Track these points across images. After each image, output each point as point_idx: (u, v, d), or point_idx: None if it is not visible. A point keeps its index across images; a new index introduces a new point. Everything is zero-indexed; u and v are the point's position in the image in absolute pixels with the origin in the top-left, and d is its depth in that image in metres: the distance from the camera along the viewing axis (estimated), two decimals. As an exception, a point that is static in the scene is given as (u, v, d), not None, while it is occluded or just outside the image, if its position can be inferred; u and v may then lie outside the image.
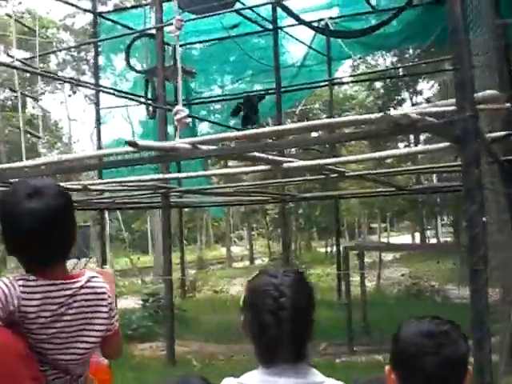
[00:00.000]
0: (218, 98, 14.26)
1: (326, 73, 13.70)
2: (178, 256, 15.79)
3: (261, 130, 4.20)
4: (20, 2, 20.22)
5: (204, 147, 4.38)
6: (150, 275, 21.74)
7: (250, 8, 10.36)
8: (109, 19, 12.47)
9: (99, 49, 12.63)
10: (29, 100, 25.67)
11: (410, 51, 16.98)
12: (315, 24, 12.68)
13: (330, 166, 5.72)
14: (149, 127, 14.36)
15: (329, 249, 34.17)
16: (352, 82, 17.54)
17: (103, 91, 10.93)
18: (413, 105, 21.41)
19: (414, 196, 18.64)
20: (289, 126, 4.07)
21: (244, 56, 14.04)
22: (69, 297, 1.88)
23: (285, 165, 5.22)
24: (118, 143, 13.34)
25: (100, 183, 6.75)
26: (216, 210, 17.36)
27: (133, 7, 13.73)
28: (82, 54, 22.44)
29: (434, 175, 20.45)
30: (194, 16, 10.75)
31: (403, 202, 24.42)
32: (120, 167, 5.08)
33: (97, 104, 12.25)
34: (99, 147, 12.15)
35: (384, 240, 42.28)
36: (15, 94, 26.81)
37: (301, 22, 10.82)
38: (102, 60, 13.30)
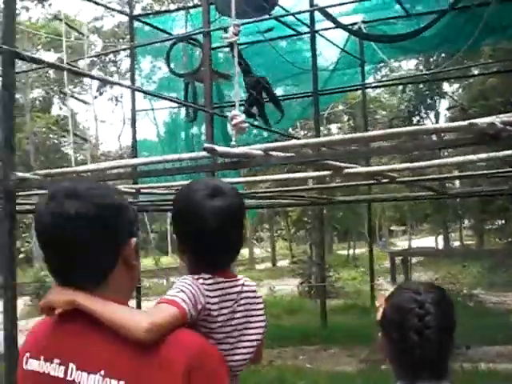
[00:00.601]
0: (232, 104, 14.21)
1: (358, 76, 13.79)
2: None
3: (336, 137, 4.25)
4: (50, 4, 20.41)
5: (275, 153, 4.44)
6: (175, 276, 21.83)
7: (292, 14, 10.38)
8: (145, 22, 12.56)
9: (134, 51, 12.72)
10: (56, 101, 25.99)
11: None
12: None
13: (387, 173, 5.77)
14: (171, 129, 14.50)
15: (351, 251, 34.21)
16: (385, 85, 17.52)
17: (147, 93, 10.99)
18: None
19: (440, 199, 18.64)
20: (369, 133, 4.10)
21: (274, 60, 14.11)
22: (237, 293, 1.90)
23: (345, 170, 5.28)
24: (143, 144, 13.49)
25: (150, 187, 6.82)
26: (250, 212, 17.37)
27: (170, 11, 13.78)
28: (110, 55, 22.67)
29: (457, 181, 20.44)
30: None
31: (429, 205, 24.42)
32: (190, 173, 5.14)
33: (133, 106, 12.35)
34: (134, 148, 12.30)
35: (405, 243, 42.12)
36: (43, 95, 27.39)
37: (339, 25, 10.83)
38: (129, 62, 13.41)
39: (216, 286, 1.84)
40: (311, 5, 11.03)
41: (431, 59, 18.92)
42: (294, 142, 4.41)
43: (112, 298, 1.60)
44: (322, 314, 11.42)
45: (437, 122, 23.40)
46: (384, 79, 18.82)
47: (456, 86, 22.19)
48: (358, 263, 27.94)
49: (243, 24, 11.03)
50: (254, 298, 1.97)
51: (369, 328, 10.28)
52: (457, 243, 35.59)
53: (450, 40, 12.15)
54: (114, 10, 11.98)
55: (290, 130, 20.02)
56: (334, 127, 28.54)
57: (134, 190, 6.43)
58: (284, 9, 10.75)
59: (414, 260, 28.82)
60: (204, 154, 4.14)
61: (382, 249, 39.64)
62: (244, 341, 1.89)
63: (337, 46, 12.78)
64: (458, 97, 20.48)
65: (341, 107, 25.78)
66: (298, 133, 23.92)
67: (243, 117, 5.98)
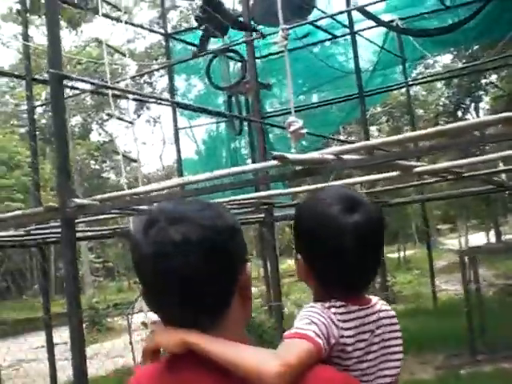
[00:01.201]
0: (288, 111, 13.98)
1: (396, 76, 13.51)
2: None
3: (409, 134, 3.98)
4: (82, 31, 20.60)
5: (348, 157, 4.19)
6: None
7: (330, 16, 10.15)
8: (181, 40, 12.50)
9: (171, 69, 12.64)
10: (95, 127, 26.27)
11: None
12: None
13: (454, 169, 5.48)
14: (210, 145, 14.33)
15: (401, 254, 33.52)
16: (429, 81, 17.14)
17: (191, 109, 10.89)
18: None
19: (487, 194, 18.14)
20: (438, 128, 3.83)
21: (309, 66, 13.92)
22: (374, 322, 1.63)
23: (415, 169, 5.02)
24: (185, 163, 13.34)
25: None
26: None
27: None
28: (145, 77, 22.78)
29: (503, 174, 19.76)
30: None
31: (475, 201, 23.80)
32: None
33: (175, 124, 12.26)
34: (179, 166, 12.21)
35: (454, 241, 41.24)
36: (81, 122, 27.73)
37: (381, 23, 10.58)
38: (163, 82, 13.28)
39: (350, 315, 1.58)
40: (348, 5, 10.84)
41: (466, 52, 18.49)
42: (365, 143, 4.14)
43: (229, 337, 1.33)
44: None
45: (477, 115, 22.89)
46: (420, 76, 18.41)
47: (494, 76, 21.57)
48: (410, 265, 27.36)
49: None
50: (392, 325, 1.69)
51: (436, 333, 9.98)
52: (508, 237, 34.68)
53: (489, 30, 11.80)
54: (150, 29, 11.87)
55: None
56: (373, 129, 28.14)
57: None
58: (321, 11, 10.51)
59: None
60: (273, 163, 3.91)
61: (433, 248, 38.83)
62: (381, 376, 1.62)
63: (377, 46, 12.49)
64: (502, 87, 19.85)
65: (379, 109, 25.38)
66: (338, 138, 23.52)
67: (301, 123, 5.78)
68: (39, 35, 21.80)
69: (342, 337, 1.53)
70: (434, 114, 21.06)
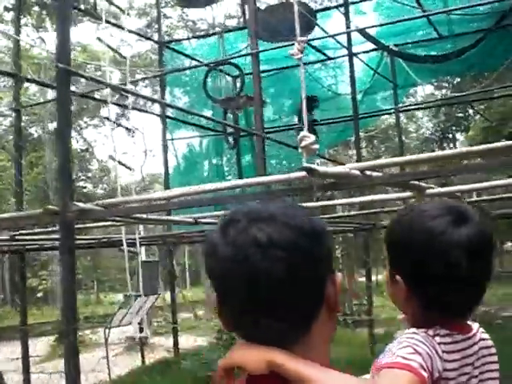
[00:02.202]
0: (282, 128, 13.88)
1: (384, 101, 13.52)
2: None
3: (437, 153, 3.83)
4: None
5: (373, 174, 4.02)
6: (202, 309, 21.36)
7: (332, 36, 10.06)
8: (175, 50, 12.31)
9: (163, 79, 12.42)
10: (74, 134, 25.70)
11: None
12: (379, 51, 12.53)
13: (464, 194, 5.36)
14: (189, 161, 14.10)
15: (373, 278, 33.41)
16: (418, 108, 17.23)
17: (187, 123, 10.68)
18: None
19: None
20: (473, 148, 3.69)
21: (298, 87, 13.86)
22: (475, 354, 1.44)
23: (428, 191, 4.88)
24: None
25: (211, 216, 6.40)
26: None
27: (201, 36, 13.53)
28: (128, 86, 22.29)
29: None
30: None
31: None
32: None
33: (164, 135, 12.04)
34: (166, 179, 11.97)
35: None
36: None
37: (381, 46, 10.53)
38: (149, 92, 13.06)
39: (456, 346, 1.39)
40: (347, 26, 10.76)
41: (447, 83, 18.67)
42: (389, 160, 3.97)
43: (314, 355, 1.14)
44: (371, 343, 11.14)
45: (454, 145, 23.12)
46: (401, 105, 18.48)
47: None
48: (382, 289, 27.35)
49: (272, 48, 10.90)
50: (490, 355, 1.50)
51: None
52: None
53: (481, 61, 11.86)
54: (145, 37, 11.63)
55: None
56: (352, 153, 28.20)
57: (191, 220, 6.00)
58: (323, 29, 10.42)
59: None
60: (298, 175, 3.72)
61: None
62: None
63: (372, 69, 12.45)
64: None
65: (362, 134, 25.42)
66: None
67: (313, 138, 5.61)
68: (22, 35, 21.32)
69: (446, 370, 1.34)
70: (418, 142, 21.21)
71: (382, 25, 9.40)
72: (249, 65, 11.93)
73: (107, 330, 10.96)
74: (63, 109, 4.84)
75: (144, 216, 5.34)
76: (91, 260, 29.91)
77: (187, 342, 13.68)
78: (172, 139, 12.44)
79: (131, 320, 12.06)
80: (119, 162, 7.42)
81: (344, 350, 12.75)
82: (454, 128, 17.37)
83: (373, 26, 9.80)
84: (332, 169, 3.72)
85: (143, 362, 12.12)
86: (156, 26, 13.70)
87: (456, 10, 10.25)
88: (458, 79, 16.79)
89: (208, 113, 13.66)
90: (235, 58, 9.90)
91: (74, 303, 4.73)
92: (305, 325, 1.15)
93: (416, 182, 4.59)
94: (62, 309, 4.73)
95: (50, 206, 4.80)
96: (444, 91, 19.25)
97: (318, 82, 13.29)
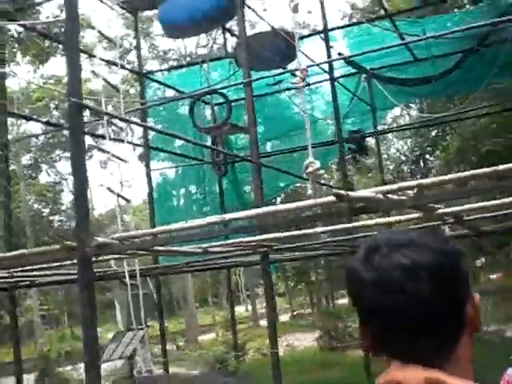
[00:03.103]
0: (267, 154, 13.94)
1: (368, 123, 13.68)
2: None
3: (465, 174, 3.91)
4: (39, 67, 20.01)
5: (394, 197, 4.08)
6: (182, 340, 21.12)
7: (317, 65, 10.17)
8: (155, 81, 12.34)
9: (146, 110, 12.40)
10: (44, 167, 25.49)
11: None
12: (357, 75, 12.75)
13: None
14: (164, 189, 14.04)
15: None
16: (397, 130, 17.46)
17: (171, 152, 10.64)
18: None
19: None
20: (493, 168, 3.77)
21: (273, 114, 14.03)
22: None
23: (440, 211, 4.97)
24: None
25: (218, 245, 6.38)
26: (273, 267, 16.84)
27: (183, 66, 13.58)
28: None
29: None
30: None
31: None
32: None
33: (147, 166, 12.01)
34: (152, 209, 11.91)
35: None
36: (32, 162, 26.99)
37: (362, 70, 10.69)
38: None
39: None
40: (329, 56, 10.92)
41: (413, 105, 18.95)
42: (409, 183, 4.04)
43: (462, 376, 1.14)
44: (366, 364, 11.08)
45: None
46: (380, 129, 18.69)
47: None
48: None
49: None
50: None
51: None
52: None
53: (459, 83, 12.10)
54: (125, 68, 11.63)
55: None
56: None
57: (200, 250, 5.98)
58: (308, 57, 10.55)
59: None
60: (327, 200, 3.77)
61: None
62: None
63: (351, 92, 12.62)
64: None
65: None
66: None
67: (318, 164, 5.67)
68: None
69: None
70: (389, 162, 21.48)
71: (370, 51, 9.56)
72: (234, 92, 12.12)
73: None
74: (77, 142, 4.81)
75: (160, 248, 5.31)
76: (65, 295, 29.41)
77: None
78: (156, 169, 12.43)
79: (122, 355, 11.85)
80: (118, 195, 7.39)
81: (336, 372, 12.80)
82: (428, 148, 17.66)
83: (362, 53, 9.96)
84: (359, 193, 3.77)
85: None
86: (128, 58, 13.85)
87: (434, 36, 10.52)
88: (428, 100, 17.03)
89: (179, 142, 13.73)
90: (226, 87, 9.94)
91: (96, 339, 4.67)
92: (451, 344, 1.17)
93: (432, 205, 4.67)
94: (84, 344, 4.64)
95: (67, 242, 4.75)
96: (411, 111, 19.49)
97: (290, 109, 13.48)
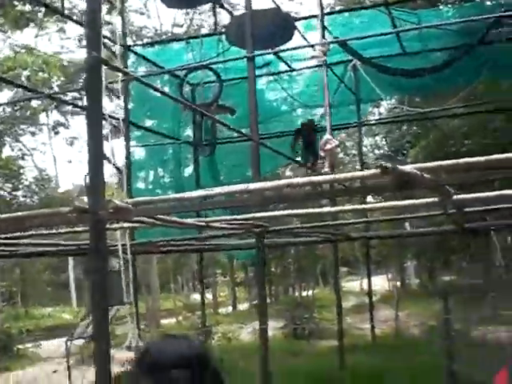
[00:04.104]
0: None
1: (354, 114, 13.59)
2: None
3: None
4: (9, 36, 19.26)
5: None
6: (143, 323, 20.71)
7: (311, 46, 9.98)
8: (139, 54, 11.99)
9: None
10: (8, 140, 24.65)
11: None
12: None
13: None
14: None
15: (304, 293, 33.65)
16: (381, 123, 17.39)
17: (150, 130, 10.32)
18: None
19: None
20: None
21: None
22: None
23: (455, 197, 4.88)
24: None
25: (218, 220, 6.19)
26: (245, 254, 16.66)
27: (170, 41, 13.24)
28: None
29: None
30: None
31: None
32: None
33: (127, 142, 11.70)
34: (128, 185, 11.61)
35: (354, 284, 42.05)
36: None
37: (356, 57, 10.56)
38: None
39: None
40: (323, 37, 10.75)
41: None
42: (456, 161, 3.92)
43: None
44: (340, 354, 11.15)
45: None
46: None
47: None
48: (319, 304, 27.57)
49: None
50: None
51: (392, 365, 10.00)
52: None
53: (452, 79, 12.06)
54: (109, 39, 11.17)
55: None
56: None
57: (203, 224, 5.78)
58: (304, 37, 10.37)
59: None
60: (375, 171, 3.64)
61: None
62: None
63: (339, 79, 12.44)
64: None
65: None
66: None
67: (336, 142, 5.54)
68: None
69: None
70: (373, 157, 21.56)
71: (364, 37, 9.48)
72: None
73: (69, 343, 10.44)
74: (94, 100, 4.55)
75: (168, 218, 5.09)
76: (21, 273, 28.72)
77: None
78: (135, 146, 12.11)
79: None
80: (115, 166, 7.08)
81: (305, 360, 12.76)
82: (408, 144, 17.72)
83: (354, 38, 9.87)
84: (404, 168, 3.64)
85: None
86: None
87: (428, 27, 10.49)
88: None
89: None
90: (221, 62, 9.68)
91: (106, 310, 4.44)
92: None
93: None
94: (93, 313, 4.41)
95: (78, 203, 4.49)
96: (387, 105, 19.43)
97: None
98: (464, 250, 22.66)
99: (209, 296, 38.14)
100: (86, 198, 6.32)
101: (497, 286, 15.33)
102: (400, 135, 18.27)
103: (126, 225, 5.18)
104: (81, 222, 4.80)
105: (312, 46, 9.09)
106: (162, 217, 5.06)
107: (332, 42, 10.30)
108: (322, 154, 6.05)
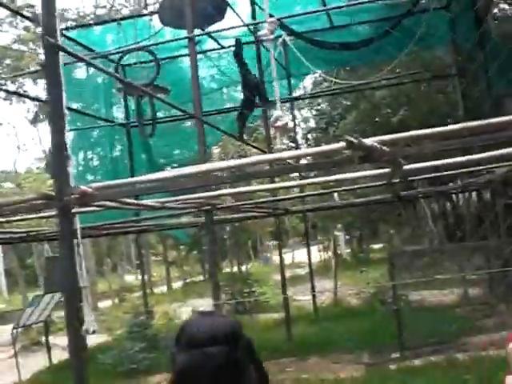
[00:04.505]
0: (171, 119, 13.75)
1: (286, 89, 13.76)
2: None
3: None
4: None
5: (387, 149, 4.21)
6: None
7: (247, 25, 10.07)
8: (70, 38, 11.75)
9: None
10: None
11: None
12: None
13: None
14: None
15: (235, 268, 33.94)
16: (313, 97, 17.62)
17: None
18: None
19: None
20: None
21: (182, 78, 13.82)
22: None
23: (405, 167, 5.16)
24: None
25: (171, 201, 6.27)
26: (179, 233, 16.70)
27: (98, 23, 13.00)
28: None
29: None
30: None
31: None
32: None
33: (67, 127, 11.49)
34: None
35: (286, 256, 42.62)
36: None
37: (288, 32, 10.69)
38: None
39: None
40: (253, 16, 10.88)
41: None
42: (412, 133, 4.18)
43: None
44: (287, 326, 11.45)
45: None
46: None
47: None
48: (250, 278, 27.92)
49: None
50: None
51: (336, 336, 10.34)
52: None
53: (383, 51, 12.37)
54: (30, 20, 10.82)
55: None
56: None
57: (159, 205, 5.88)
58: (239, 16, 10.42)
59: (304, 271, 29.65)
60: (341, 145, 3.84)
61: (265, 263, 39.99)
62: None
63: (274, 58, 12.58)
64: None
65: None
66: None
67: (287, 119, 5.71)
68: None
69: None
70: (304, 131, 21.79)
71: (299, 14, 9.68)
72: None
73: (15, 330, 10.30)
74: (54, 86, 4.55)
75: (128, 200, 5.16)
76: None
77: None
78: (72, 129, 11.88)
79: (38, 319, 11.45)
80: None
81: (253, 335, 13.00)
82: (338, 116, 18.09)
83: (290, 16, 10.06)
84: (367, 141, 3.85)
85: (50, 361, 11.52)
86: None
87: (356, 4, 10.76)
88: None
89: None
90: (160, 43, 9.63)
91: (75, 294, 4.51)
92: None
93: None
94: (65, 298, 4.46)
95: (44, 191, 4.50)
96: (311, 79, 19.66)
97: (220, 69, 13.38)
98: (393, 218, 23.45)
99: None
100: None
101: (430, 252, 15.98)
102: (331, 108, 18.63)
103: (85, 209, 5.20)
104: (47, 208, 4.79)
105: (256, 24, 9.22)
106: (123, 200, 5.13)
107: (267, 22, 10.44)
108: (272, 130, 6.21)
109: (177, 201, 6.55)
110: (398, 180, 7.01)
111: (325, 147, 3.99)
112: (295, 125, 14.81)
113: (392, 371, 7.96)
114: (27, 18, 12.49)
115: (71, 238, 4.49)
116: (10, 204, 4.61)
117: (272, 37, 5.83)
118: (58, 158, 4.47)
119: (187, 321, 1.70)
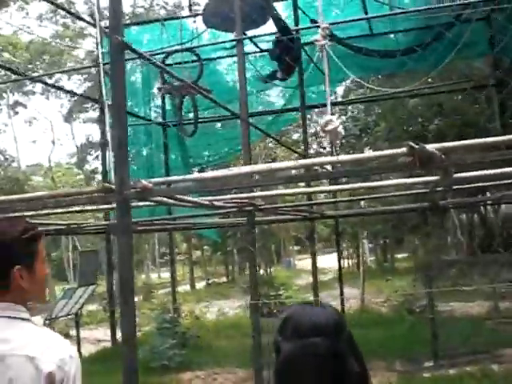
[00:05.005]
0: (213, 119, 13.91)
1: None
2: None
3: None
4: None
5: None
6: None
7: (298, 30, 10.17)
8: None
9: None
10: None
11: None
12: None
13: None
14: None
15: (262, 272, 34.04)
16: (352, 102, 17.55)
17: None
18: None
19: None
20: None
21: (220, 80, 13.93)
22: None
23: (455, 175, 5.19)
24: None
25: (218, 199, 6.38)
26: (210, 233, 16.83)
27: (147, 22, 13.19)
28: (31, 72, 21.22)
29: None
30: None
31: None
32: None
33: (103, 123, 11.71)
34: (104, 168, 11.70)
35: (305, 262, 42.67)
36: None
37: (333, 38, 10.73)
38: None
39: None
40: (296, 22, 10.99)
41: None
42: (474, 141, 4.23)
43: None
44: None
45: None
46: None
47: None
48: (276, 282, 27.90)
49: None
50: None
51: (366, 342, 10.31)
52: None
53: (420, 60, 12.36)
54: (84, 20, 11.02)
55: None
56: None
57: (208, 203, 5.98)
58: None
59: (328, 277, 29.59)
60: (402, 150, 3.90)
61: (287, 267, 40.02)
62: None
63: (313, 63, 12.65)
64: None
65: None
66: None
67: (338, 122, 5.76)
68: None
69: None
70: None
71: (349, 21, 9.84)
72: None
73: (47, 322, 10.48)
74: (118, 85, 4.67)
75: (183, 197, 5.26)
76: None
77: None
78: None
79: (70, 311, 11.64)
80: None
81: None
82: (372, 123, 18.08)
83: (341, 22, 10.18)
84: (428, 148, 3.90)
85: (80, 354, 11.67)
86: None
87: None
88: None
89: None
90: (205, 45, 9.76)
91: (133, 285, 4.59)
92: None
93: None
94: (121, 290, 4.55)
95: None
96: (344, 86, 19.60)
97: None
98: (420, 228, 23.21)
99: (167, 275, 38.20)
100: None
101: (459, 262, 15.92)
102: (366, 114, 18.63)
103: (141, 203, 5.31)
104: (105, 202, 4.91)
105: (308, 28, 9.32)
106: (178, 196, 5.24)
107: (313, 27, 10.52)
108: (322, 134, 6.26)
109: (224, 199, 6.65)
110: (440, 188, 7.05)
111: (387, 151, 4.05)
112: (345, 129, 14.88)
113: (426, 379, 7.97)
114: (82, 18, 12.65)
115: (130, 231, 4.60)
116: (69, 195, 4.72)
117: (325, 41, 5.86)
118: (119, 153, 4.58)
119: (290, 311, 1.73)
